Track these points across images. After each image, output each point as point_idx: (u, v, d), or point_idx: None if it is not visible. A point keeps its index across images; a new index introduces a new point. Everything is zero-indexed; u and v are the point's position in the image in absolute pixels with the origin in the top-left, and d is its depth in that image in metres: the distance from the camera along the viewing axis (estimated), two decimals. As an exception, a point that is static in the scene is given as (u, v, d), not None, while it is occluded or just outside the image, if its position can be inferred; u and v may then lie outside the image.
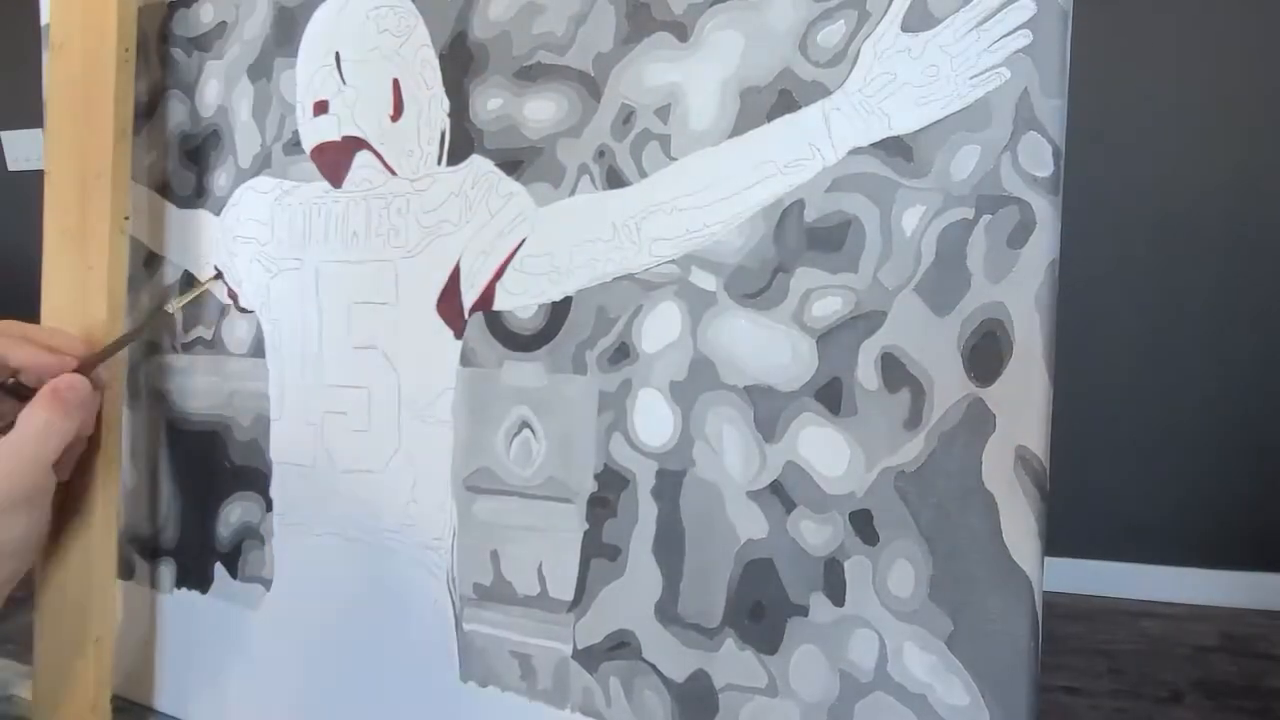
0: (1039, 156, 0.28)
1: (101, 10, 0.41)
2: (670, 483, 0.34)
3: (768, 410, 0.32)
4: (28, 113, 2.55)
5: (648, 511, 0.34)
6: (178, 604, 0.47)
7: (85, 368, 0.37)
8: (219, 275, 0.42)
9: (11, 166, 2.66)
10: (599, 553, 0.35)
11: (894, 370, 0.30)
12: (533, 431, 0.36)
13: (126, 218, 0.42)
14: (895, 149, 0.30)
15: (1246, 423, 1.73)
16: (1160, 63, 1.67)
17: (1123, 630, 1.73)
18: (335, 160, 0.41)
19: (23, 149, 2.62)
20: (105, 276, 0.41)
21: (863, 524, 0.31)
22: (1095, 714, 1.48)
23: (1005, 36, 0.28)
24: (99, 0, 0.42)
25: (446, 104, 0.38)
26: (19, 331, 0.37)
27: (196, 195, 0.46)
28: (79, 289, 0.42)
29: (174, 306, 0.42)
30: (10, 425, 0.34)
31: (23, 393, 0.36)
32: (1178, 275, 1.72)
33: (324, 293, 0.42)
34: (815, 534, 0.31)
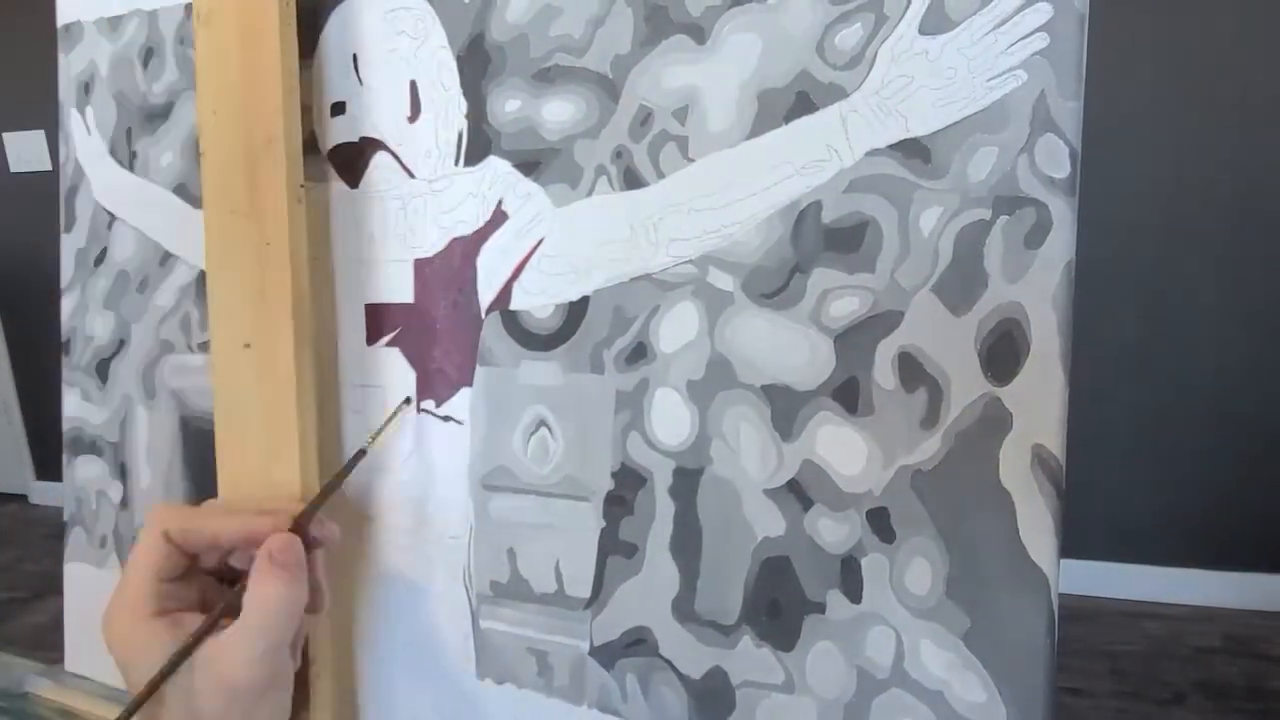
0: (1056, 158, 0.28)
1: None
2: (687, 481, 0.34)
3: (785, 409, 0.32)
4: (30, 114, 2.56)
5: (665, 510, 0.35)
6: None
7: (297, 527, 0.34)
8: (409, 401, 0.40)
9: (14, 168, 2.67)
10: (616, 550, 0.36)
11: (911, 370, 0.30)
12: (550, 430, 0.37)
13: (303, 185, 0.39)
14: (913, 150, 0.30)
15: (1249, 424, 1.74)
16: (1162, 62, 1.68)
17: (1125, 631, 1.74)
18: (352, 161, 0.41)
19: (25, 150, 2.63)
20: (286, 249, 0.38)
21: (880, 522, 0.31)
22: (1097, 715, 1.49)
23: (1022, 39, 0.28)
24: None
25: (464, 105, 0.38)
26: (223, 510, 0.34)
27: (213, 196, 0.46)
28: (257, 267, 0.38)
29: (370, 445, 0.39)
30: (221, 610, 0.32)
31: (230, 576, 0.34)
32: (1181, 275, 1.73)
33: (340, 292, 0.42)
34: (832, 532, 0.32)
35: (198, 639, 0.31)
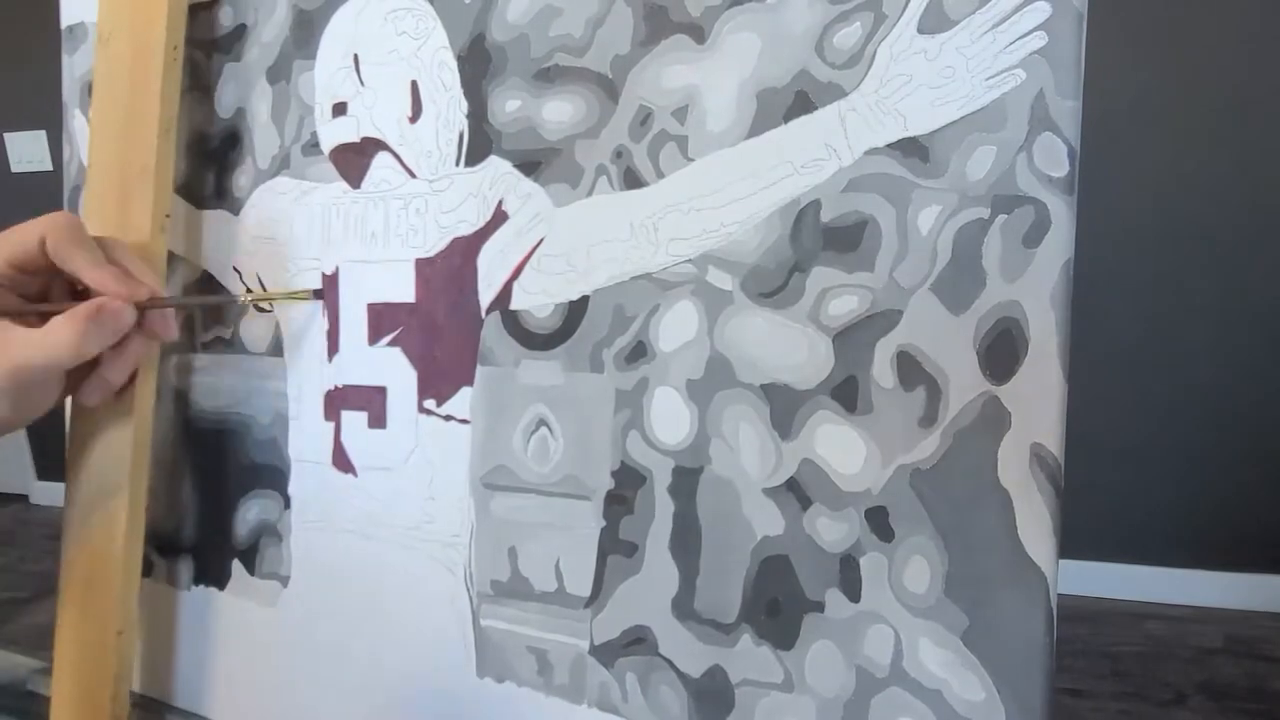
0: (1054, 157, 0.28)
1: (151, 5, 0.41)
2: (687, 480, 0.34)
3: (784, 408, 0.32)
4: (31, 114, 2.56)
5: (664, 509, 0.35)
6: (196, 600, 0.48)
7: (142, 305, 0.37)
8: (319, 295, 0.42)
9: (15, 168, 2.67)
10: (616, 549, 0.36)
11: (910, 368, 0.30)
12: (550, 429, 0.37)
13: (168, 215, 0.42)
14: (911, 149, 0.30)
15: (1251, 424, 1.73)
16: (1162, 61, 1.68)
17: (1126, 632, 1.74)
18: (354, 161, 0.41)
19: (26, 150, 2.63)
20: None
21: (879, 521, 0.31)
22: (1099, 716, 1.48)
23: (1021, 38, 0.28)
24: (148, -5, 0.41)
25: (465, 106, 0.38)
26: (104, 253, 0.36)
27: (215, 196, 0.46)
28: None
29: (247, 298, 0.41)
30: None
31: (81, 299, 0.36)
32: (1184, 276, 1.73)
33: (343, 292, 0.42)
34: (831, 531, 0.32)
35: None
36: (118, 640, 0.42)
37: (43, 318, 0.35)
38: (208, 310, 0.46)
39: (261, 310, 0.45)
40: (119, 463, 0.41)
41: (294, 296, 0.42)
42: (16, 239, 0.35)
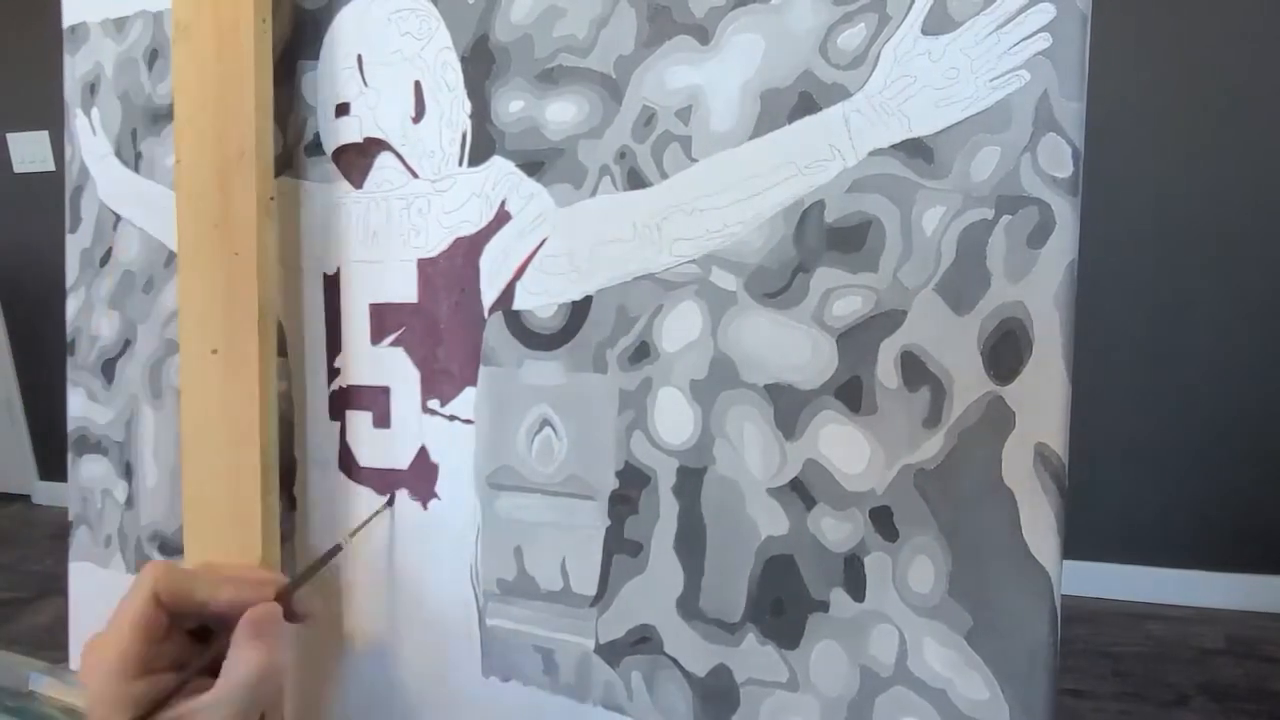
0: (1058, 158, 0.28)
1: None
2: (691, 480, 0.34)
3: (788, 408, 0.32)
4: (33, 115, 2.56)
5: (669, 508, 0.35)
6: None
7: (280, 599, 0.34)
8: (390, 503, 0.41)
9: (18, 168, 2.67)
10: (621, 549, 0.36)
11: (914, 368, 0.30)
12: (554, 429, 0.37)
13: (272, 198, 0.40)
14: (915, 150, 0.30)
15: (1253, 425, 1.73)
16: (1166, 62, 1.68)
17: (1128, 633, 1.73)
18: (357, 161, 0.41)
19: (29, 151, 2.63)
20: (254, 260, 0.39)
21: (883, 521, 0.31)
22: (1100, 716, 1.48)
23: (1025, 39, 0.28)
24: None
25: (468, 106, 0.38)
26: (219, 573, 0.34)
27: (218, 196, 0.46)
28: (224, 277, 0.39)
29: (348, 540, 0.40)
30: (192, 670, 0.32)
31: (206, 635, 0.34)
32: (1187, 276, 1.73)
33: (345, 292, 0.42)
34: (835, 530, 0.32)
35: (168, 696, 0.30)
36: None
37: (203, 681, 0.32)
38: None
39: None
40: (250, 484, 0.39)
41: (375, 514, 0.41)
42: (135, 614, 0.32)
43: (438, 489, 0.40)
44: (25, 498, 2.92)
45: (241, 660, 0.31)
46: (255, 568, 0.38)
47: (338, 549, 0.40)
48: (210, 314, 0.40)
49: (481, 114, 0.38)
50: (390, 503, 0.41)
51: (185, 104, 0.41)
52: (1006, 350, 0.29)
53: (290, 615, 0.35)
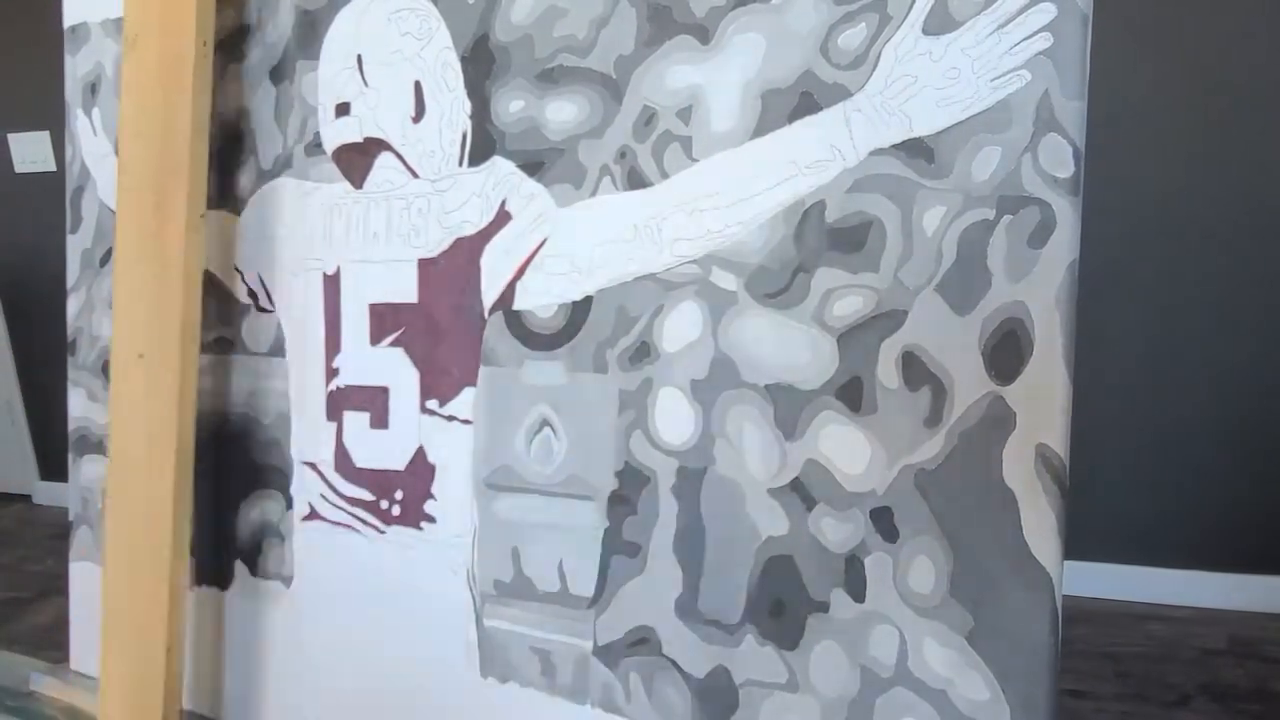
0: (1059, 157, 0.28)
1: (179, 2, 0.41)
2: (691, 480, 0.34)
3: (788, 408, 0.32)
4: (34, 115, 2.56)
5: (668, 509, 0.35)
6: (198, 601, 0.48)
7: None
8: None
9: (19, 168, 2.67)
10: (619, 550, 0.36)
11: (915, 369, 0.30)
12: (553, 430, 0.37)
13: (202, 215, 0.42)
14: (916, 150, 0.30)
15: (1254, 424, 1.73)
16: (1167, 62, 1.67)
17: (1129, 633, 1.73)
18: (357, 161, 0.41)
19: (29, 151, 2.63)
20: (181, 270, 0.41)
21: (883, 521, 0.31)
22: (1101, 717, 1.48)
23: (1026, 39, 0.28)
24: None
25: (468, 106, 0.38)
26: None
27: (217, 196, 0.46)
28: (156, 283, 0.42)
29: None
30: None
31: None
32: (1187, 276, 1.72)
33: (345, 292, 0.42)
34: (836, 531, 0.32)
35: None
36: (168, 657, 0.41)
37: None
38: (207, 306, 0.46)
39: (264, 311, 0.44)
40: (162, 471, 0.41)
41: None
42: None
43: (435, 490, 0.40)
44: (26, 498, 2.92)
45: None
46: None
47: None
48: (138, 320, 0.42)
49: (481, 114, 0.38)
50: None
51: (129, 116, 0.43)
52: (1007, 350, 0.29)
53: None
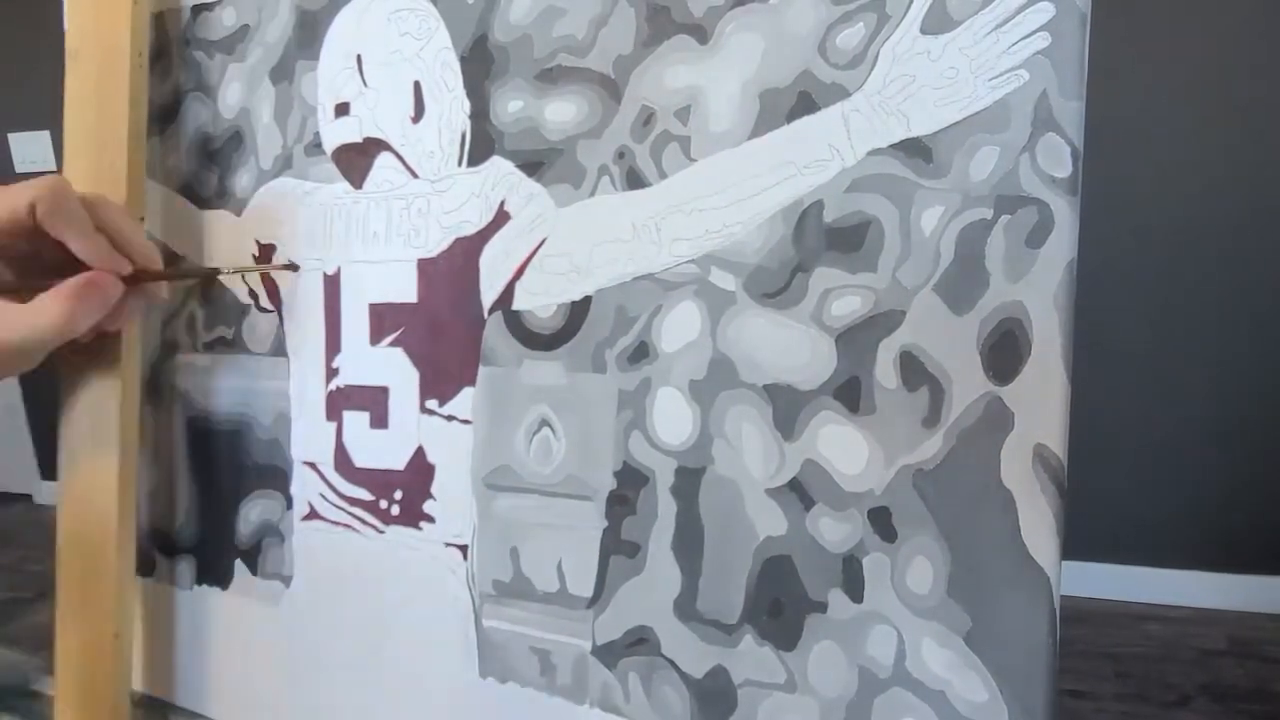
0: (1057, 157, 0.28)
1: (115, 17, 0.42)
2: (689, 480, 0.34)
3: (787, 408, 0.32)
4: (34, 115, 2.57)
5: (667, 509, 0.35)
6: (197, 601, 0.48)
7: (131, 279, 0.37)
8: (294, 267, 0.42)
9: (19, 168, 2.68)
10: (618, 550, 0.36)
11: (913, 369, 0.30)
12: (552, 430, 0.37)
13: (141, 219, 0.44)
14: (914, 150, 0.30)
15: (1254, 425, 1.73)
16: (1166, 62, 1.68)
17: (1129, 634, 1.73)
18: (356, 162, 0.41)
19: (29, 150, 2.64)
20: None
21: (881, 521, 0.31)
22: (1101, 717, 1.48)
23: (1024, 39, 0.28)
24: (112, 8, 0.42)
25: (467, 106, 0.38)
26: (94, 216, 0.36)
27: (218, 196, 0.46)
28: None
29: (227, 271, 0.42)
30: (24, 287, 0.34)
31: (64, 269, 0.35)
32: (1185, 276, 1.72)
33: (345, 292, 0.42)
34: (834, 531, 0.32)
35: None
36: (115, 642, 0.42)
37: (30, 291, 0.35)
38: (207, 306, 0.46)
39: (264, 311, 0.45)
40: (107, 448, 0.41)
41: (271, 268, 0.43)
42: (6, 204, 0.34)
43: (434, 489, 0.40)
44: (27, 497, 2.92)
45: (49, 308, 0.34)
46: (134, 226, 0.38)
47: (215, 272, 0.41)
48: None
49: (481, 114, 0.38)
50: (293, 267, 0.43)
51: (72, 123, 0.44)
52: (1006, 350, 0.29)
53: (137, 290, 0.38)
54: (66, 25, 0.44)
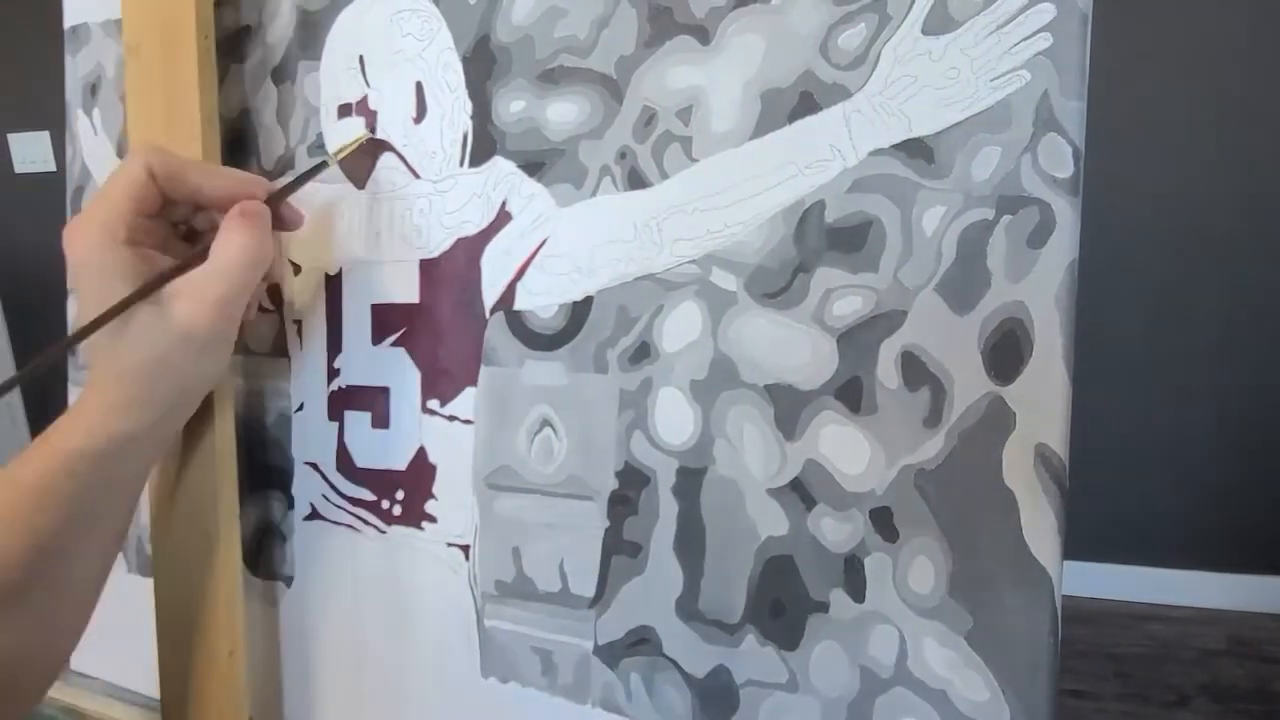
0: (1059, 158, 0.28)
1: (179, 7, 0.41)
2: (691, 480, 0.34)
3: (788, 408, 0.32)
4: (34, 115, 2.57)
5: (668, 509, 0.35)
6: (198, 601, 0.48)
7: (270, 201, 0.36)
8: (372, 130, 0.41)
9: (19, 168, 2.68)
10: (620, 550, 0.36)
11: (914, 369, 0.30)
12: (554, 430, 0.37)
13: None
14: (916, 150, 0.30)
15: (1255, 425, 1.73)
16: (1169, 64, 1.68)
17: (1129, 634, 1.73)
18: (359, 162, 0.41)
19: (29, 151, 2.63)
20: None
21: (883, 521, 0.31)
22: (1102, 717, 1.48)
23: (1026, 39, 0.28)
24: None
25: (469, 106, 0.38)
26: (210, 168, 0.36)
27: (219, 196, 0.46)
28: None
29: (333, 159, 0.40)
30: (196, 253, 0.33)
31: (189, 237, 0.35)
32: (1188, 277, 1.73)
33: (346, 292, 0.42)
34: (835, 531, 0.32)
35: (171, 274, 0.32)
36: (230, 661, 0.40)
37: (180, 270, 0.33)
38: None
39: (264, 311, 0.45)
40: (205, 463, 0.41)
41: (359, 140, 0.41)
42: (124, 181, 0.32)
43: (435, 489, 0.40)
44: (27, 498, 2.92)
45: (232, 243, 0.33)
46: (235, 171, 0.38)
47: (323, 165, 0.40)
48: None
49: (483, 114, 0.38)
50: (372, 130, 0.41)
51: (136, 123, 0.43)
52: (1007, 350, 0.29)
53: (277, 220, 0.37)
54: (124, 20, 0.43)
